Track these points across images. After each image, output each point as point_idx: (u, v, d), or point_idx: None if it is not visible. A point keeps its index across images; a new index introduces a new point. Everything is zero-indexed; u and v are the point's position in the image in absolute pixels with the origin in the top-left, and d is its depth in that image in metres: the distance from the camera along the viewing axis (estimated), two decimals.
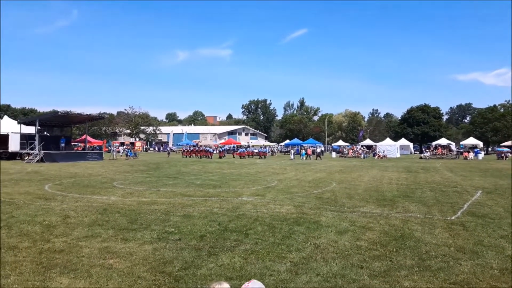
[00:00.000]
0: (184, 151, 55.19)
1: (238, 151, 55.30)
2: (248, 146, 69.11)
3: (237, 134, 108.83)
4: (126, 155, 47.33)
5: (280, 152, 75.93)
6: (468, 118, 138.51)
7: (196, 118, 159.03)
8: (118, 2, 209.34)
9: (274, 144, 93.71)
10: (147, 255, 6.22)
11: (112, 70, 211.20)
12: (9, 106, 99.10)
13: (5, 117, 49.59)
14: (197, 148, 55.77)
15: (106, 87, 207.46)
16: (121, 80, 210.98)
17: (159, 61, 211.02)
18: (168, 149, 69.74)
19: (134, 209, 10.38)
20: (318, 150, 51.44)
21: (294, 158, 48.38)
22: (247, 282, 2.59)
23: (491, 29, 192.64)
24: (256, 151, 57.87)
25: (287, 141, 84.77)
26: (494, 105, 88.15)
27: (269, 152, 62.72)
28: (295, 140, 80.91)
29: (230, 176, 21.47)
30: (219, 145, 69.07)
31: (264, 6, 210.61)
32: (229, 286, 2.47)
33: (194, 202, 11.72)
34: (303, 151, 49.14)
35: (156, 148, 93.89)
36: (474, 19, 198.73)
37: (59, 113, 38.59)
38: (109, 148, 58.88)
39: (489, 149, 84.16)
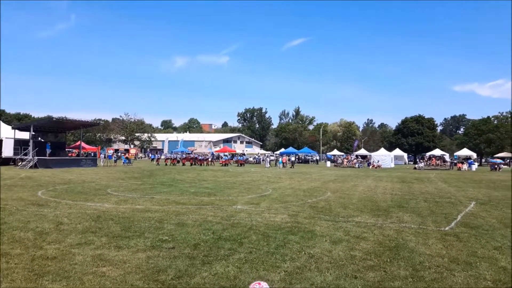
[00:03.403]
0: (167, 158, 55.09)
1: (223, 159, 55.99)
2: (244, 155, 69.11)
3: (233, 142, 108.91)
4: (115, 161, 47.15)
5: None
6: (462, 129, 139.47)
7: (192, 126, 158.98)
8: (117, 6, 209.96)
9: (269, 152, 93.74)
10: (140, 263, 6.18)
11: (108, 76, 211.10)
12: (3, 111, 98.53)
13: None
14: (174, 156, 55.96)
15: (102, 93, 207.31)
16: (117, 86, 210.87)
17: (155, 67, 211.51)
18: (157, 156, 68.61)
19: (127, 216, 10.32)
20: (292, 158, 55.68)
21: (269, 166, 50.25)
22: (255, 282, 2.60)
23: (490, 39, 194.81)
24: (248, 159, 58.56)
25: (282, 150, 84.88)
26: (488, 117, 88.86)
27: (263, 160, 63.11)
28: (290, 149, 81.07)
29: (225, 184, 21.42)
30: (195, 153, 68.97)
31: (264, 15, 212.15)
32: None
33: (188, 210, 11.67)
34: (280, 160, 52.04)
35: (150, 155, 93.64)
36: (474, 28, 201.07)
37: (54, 119, 38.38)
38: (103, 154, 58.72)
39: (483, 160, 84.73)
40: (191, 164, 48.62)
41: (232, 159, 58.66)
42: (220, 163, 53.44)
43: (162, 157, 63.88)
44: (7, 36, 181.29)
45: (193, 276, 5.63)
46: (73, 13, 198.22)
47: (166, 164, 48.97)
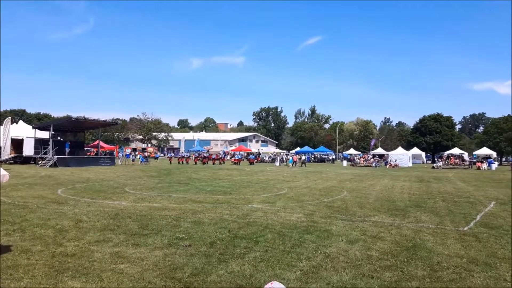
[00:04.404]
0: (179, 157, 56.06)
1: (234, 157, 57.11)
2: (259, 154, 69.21)
3: (248, 141, 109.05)
4: (133, 160, 48.01)
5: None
6: (481, 128, 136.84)
7: (208, 125, 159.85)
8: (134, 8, 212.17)
9: (285, 151, 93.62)
10: (157, 261, 6.25)
11: (126, 77, 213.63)
12: (24, 111, 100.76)
13: (20, 121, 50.35)
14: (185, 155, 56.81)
15: (119, 93, 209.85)
16: (135, 87, 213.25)
17: (172, 68, 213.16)
18: (171, 155, 69.46)
19: (145, 214, 10.44)
20: (303, 157, 58.04)
21: (280, 165, 52.12)
22: (269, 283, 2.60)
23: (507, 37, 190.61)
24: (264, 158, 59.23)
25: (298, 149, 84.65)
26: (509, 115, 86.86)
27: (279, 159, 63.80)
28: (306, 148, 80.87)
29: (241, 183, 21.47)
30: (202, 151, 69.60)
31: (280, 13, 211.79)
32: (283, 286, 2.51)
33: (205, 208, 11.75)
34: (291, 158, 54.27)
35: (155, 155, 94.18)
36: (492, 26, 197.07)
37: (73, 119, 39.06)
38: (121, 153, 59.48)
39: (503, 159, 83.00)
40: (203, 163, 48.78)
41: (247, 158, 59.36)
42: (232, 161, 54.47)
43: (178, 155, 64.52)
44: (26, 37, 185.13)
45: (210, 274, 5.67)
46: (91, 14, 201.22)
47: (179, 163, 49.56)
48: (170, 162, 51.12)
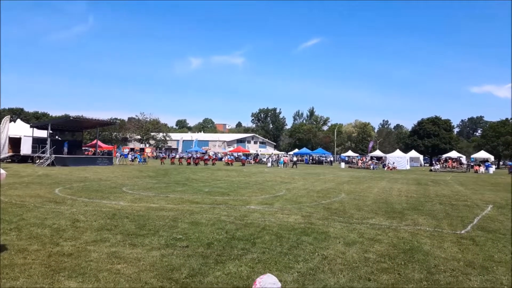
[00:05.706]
0: (172, 157, 56.18)
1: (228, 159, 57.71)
2: (257, 155, 69.24)
3: (246, 142, 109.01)
4: (132, 160, 48.14)
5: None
6: (479, 131, 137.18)
7: (206, 126, 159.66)
8: (133, 8, 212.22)
9: (283, 152, 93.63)
10: (154, 261, 6.24)
11: (125, 77, 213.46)
12: (22, 109, 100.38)
13: (18, 120, 50.26)
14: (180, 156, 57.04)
15: (118, 92, 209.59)
16: (133, 87, 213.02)
17: (171, 67, 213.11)
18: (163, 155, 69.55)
19: (142, 214, 10.43)
20: (295, 159, 59.98)
21: (271, 166, 52.69)
22: (261, 276, 2.54)
23: (507, 40, 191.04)
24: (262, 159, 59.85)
25: (296, 150, 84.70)
26: (506, 119, 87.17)
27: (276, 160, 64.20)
28: (304, 150, 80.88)
29: (239, 184, 21.46)
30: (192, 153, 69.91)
31: (280, 15, 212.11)
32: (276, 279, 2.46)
33: (202, 209, 11.74)
34: (281, 160, 55.52)
35: (165, 155, 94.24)
36: (491, 28, 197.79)
37: (71, 118, 39.04)
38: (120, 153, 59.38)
39: (501, 163, 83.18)
40: (195, 164, 48.49)
41: (245, 159, 59.79)
42: (225, 162, 55.15)
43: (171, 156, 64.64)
44: (25, 37, 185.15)
45: (206, 275, 5.66)
46: (90, 14, 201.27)
47: (171, 163, 49.51)
48: (162, 162, 50.14)
